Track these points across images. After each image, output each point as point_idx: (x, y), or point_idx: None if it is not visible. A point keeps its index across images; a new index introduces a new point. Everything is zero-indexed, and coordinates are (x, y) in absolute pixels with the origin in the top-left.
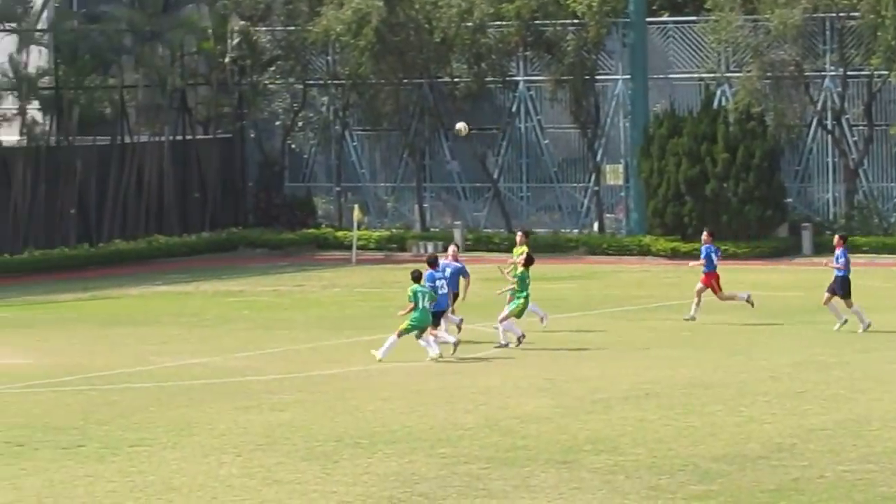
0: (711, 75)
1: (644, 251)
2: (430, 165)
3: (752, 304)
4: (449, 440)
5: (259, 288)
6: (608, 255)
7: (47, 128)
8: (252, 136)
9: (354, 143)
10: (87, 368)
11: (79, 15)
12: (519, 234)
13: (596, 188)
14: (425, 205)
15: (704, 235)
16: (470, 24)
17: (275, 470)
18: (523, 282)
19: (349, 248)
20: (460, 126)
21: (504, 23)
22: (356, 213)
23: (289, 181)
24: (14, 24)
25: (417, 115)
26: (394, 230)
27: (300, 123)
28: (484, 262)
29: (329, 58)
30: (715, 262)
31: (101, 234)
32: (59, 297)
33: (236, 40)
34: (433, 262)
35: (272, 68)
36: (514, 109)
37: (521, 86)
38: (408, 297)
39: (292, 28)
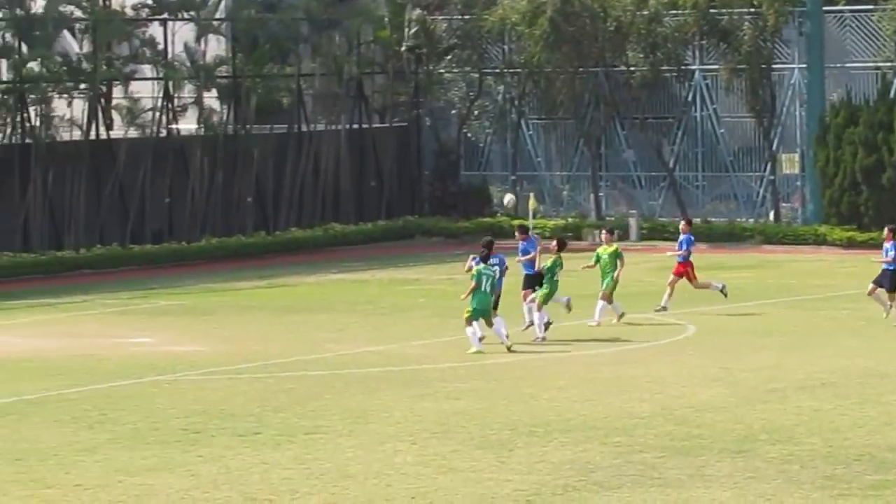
0: (888, 64)
1: (820, 241)
2: (605, 154)
3: (726, 295)
4: (624, 429)
5: (435, 276)
6: (784, 244)
7: (224, 117)
8: (428, 124)
9: (530, 132)
10: (263, 356)
11: (256, 4)
12: (604, 233)
13: (772, 177)
14: (601, 194)
15: (682, 226)
16: (645, 12)
17: (449, 458)
18: (552, 270)
19: None
20: (508, 199)
21: (680, 12)
22: (531, 203)
23: (464, 170)
24: (192, 14)
25: (593, 104)
26: (569, 219)
27: (476, 112)
28: (657, 251)
29: (505, 46)
30: (686, 250)
31: (278, 222)
32: (237, 284)
33: (413, 29)
34: (488, 246)
35: (448, 57)
36: (689, 98)
37: (696, 75)
38: (472, 276)
39: (468, 17)
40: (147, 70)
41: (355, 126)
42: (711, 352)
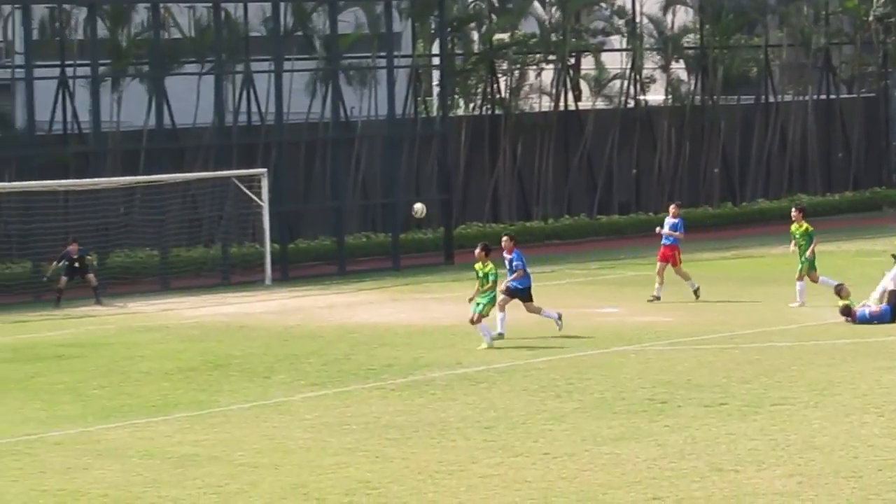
0: None
1: None
2: None
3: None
4: None
5: None
6: None
7: (692, 87)
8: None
9: None
10: (729, 327)
11: None
12: (672, 207)
13: None
14: None
15: (672, 208)
16: None
17: None
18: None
19: None
20: (417, 207)
21: None
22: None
23: None
24: None
25: None
26: None
27: None
28: None
29: None
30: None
31: (744, 193)
32: (702, 255)
33: None
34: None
35: None
36: None
37: None
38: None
39: None
40: (614, 41)
41: (822, 97)
42: None
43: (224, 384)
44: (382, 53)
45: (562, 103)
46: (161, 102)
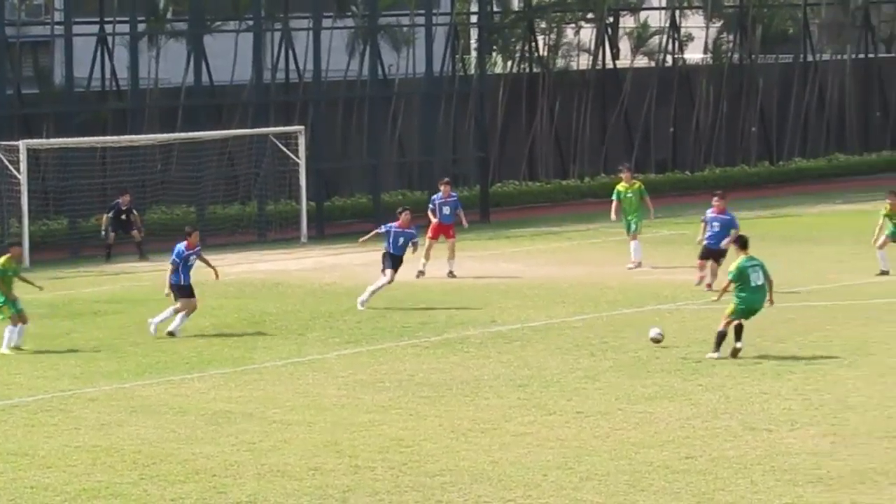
0: None
1: None
2: None
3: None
4: None
5: None
6: None
7: (731, 46)
8: None
9: None
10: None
11: None
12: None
13: None
14: None
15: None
16: None
17: None
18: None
19: None
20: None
21: None
22: None
23: None
24: None
25: None
26: None
27: None
28: None
29: None
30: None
31: (782, 152)
32: (740, 214)
33: None
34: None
35: None
36: None
37: None
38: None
39: None
40: None
41: (861, 56)
42: None
43: (259, 341)
44: (421, 11)
45: (600, 62)
46: (199, 60)
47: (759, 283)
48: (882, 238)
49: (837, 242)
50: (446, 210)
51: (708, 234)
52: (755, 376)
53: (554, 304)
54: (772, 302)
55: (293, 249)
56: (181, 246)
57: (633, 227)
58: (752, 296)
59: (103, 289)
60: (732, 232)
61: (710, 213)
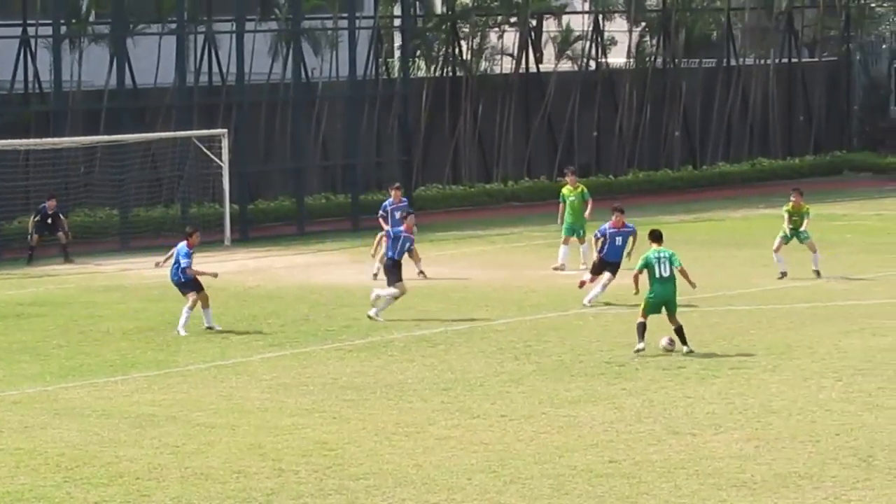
0: None
1: None
2: None
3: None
4: None
5: (863, 212)
6: None
7: (654, 50)
8: (858, 59)
9: None
10: (688, 290)
11: None
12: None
13: None
14: None
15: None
16: None
17: (875, 395)
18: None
19: None
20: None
21: None
22: None
23: (895, 105)
24: None
25: None
26: None
27: None
28: None
29: None
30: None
31: (705, 156)
32: (663, 218)
33: None
34: None
35: None
36: None
37: None
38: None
39: None
40: (577, 2)
41: (784, 60)
42: None
43: (182, 344)
44: (344, 15)
45: (523, 66)
46: (122, 62)
47: (666, 274)
48: (777, 241)
49: (761, 246)
50: (398, 215)
51: (606, 248)
52: (679, 380)
53: (478, 308)
54: (693, 285)
55: (217, 252)
56: (183, 245)
57: (579, 232)
58: (659, 287)
59: (26, 291)
60: (631, 239)
61: (608, 227)
